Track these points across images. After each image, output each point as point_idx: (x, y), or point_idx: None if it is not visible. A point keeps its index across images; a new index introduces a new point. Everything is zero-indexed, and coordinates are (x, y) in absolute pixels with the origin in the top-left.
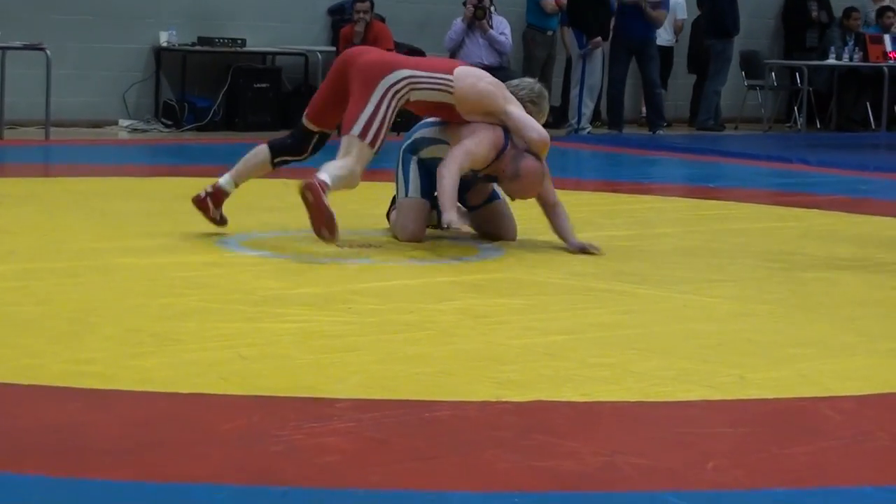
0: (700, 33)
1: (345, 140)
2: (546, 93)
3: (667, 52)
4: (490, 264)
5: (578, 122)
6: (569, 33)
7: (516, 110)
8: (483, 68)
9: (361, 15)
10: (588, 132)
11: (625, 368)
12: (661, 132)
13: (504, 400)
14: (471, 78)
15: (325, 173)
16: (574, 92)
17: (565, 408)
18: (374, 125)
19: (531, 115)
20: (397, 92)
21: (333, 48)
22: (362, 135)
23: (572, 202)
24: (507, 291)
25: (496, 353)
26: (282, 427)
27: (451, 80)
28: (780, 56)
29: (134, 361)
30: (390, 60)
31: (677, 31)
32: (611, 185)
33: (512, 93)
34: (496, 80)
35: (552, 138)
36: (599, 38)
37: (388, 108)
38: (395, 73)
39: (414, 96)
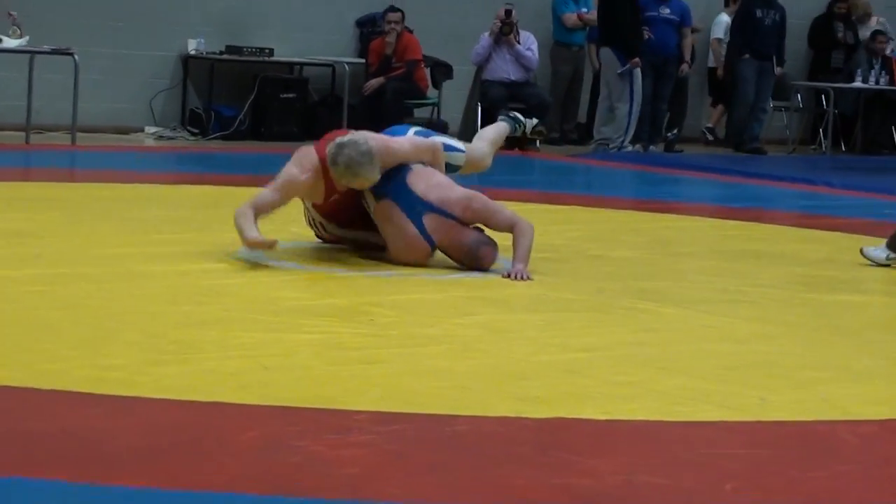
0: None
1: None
2: (364, 158)
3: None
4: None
5: (624, 139)
6: (594, 50)
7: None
8: (510, 84)
9: (392, 26)
10: (630, 150)
11: (645, 387)
12: (653, 148)
13: (523, 416)
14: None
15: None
16: (622, 111)
17: (585, 425)
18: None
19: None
20: None
21: (361, 60)
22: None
23: (595, 219)
24: (528, 307)
25: (517, 368)
26: (300, 438)
27: None
28: (804, 77)
29: (155, 369)
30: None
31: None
32: (634, 202)
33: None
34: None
35: (579, 155)
36: (637, 59)
37: None
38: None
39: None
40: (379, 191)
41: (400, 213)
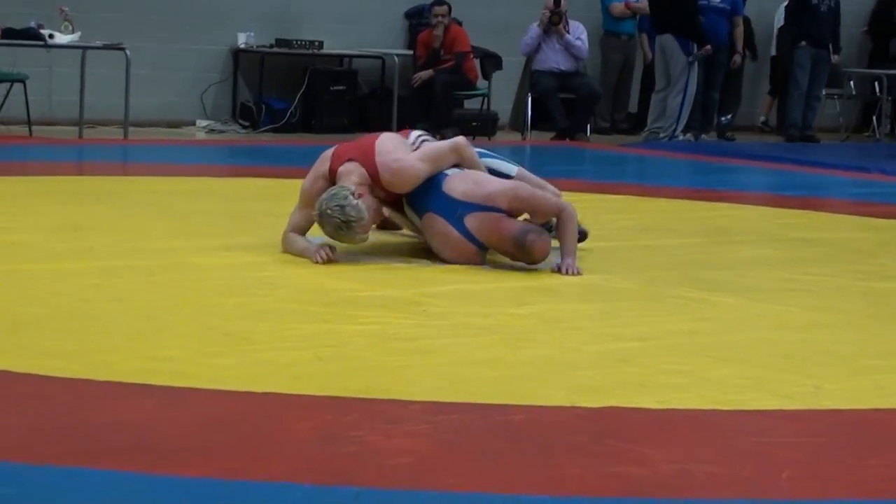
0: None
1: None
2: (348, 217)
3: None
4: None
5: (676, 128)
6: (646, 39)
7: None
8: (559, 74)
9: (440, 19)
10: (682, 139)
11: (699, 376)
12: (705, 137)
13: (578, 405)
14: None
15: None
16: (676, 99)
17: (639, 414)
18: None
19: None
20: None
21: (410, 52)
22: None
23: (649, 209)
24: (582, 297)
25: (570, 358)
26: (355, 428)
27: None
28: (857, 64)
29: (209, 360)
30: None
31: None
32: (688, 192)
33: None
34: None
35: (630, 144)
36: (709, 46)
37: None
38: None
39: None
40: (419, 206)
41: (442, 221)
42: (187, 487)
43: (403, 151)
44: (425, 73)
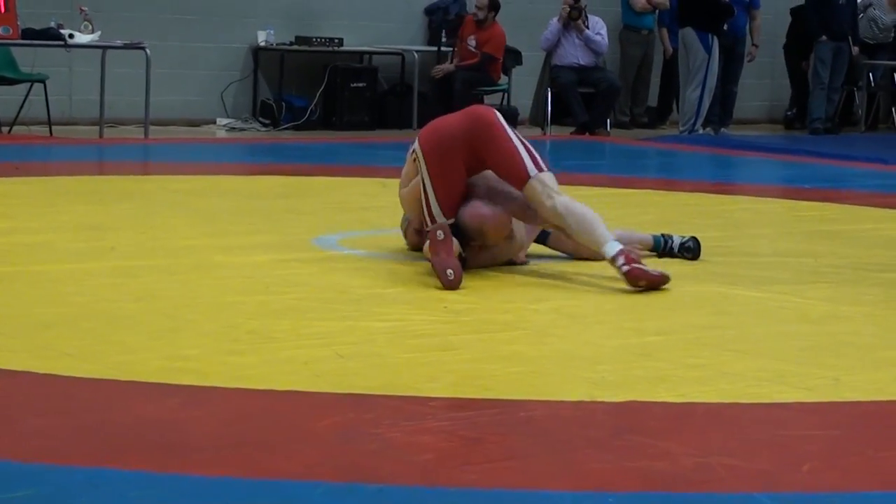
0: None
1: (532, 186)
2: None
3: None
4: (584, 265)
5: (695, 122)
6: (666, 33)
7: None
8: (579, 68)
9: (477, 11)
10: (701, 133)
11: (719, 369)
12: (724, 130)
13: (598, 400)
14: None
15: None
16: (695, 93)
17: (659, 408)
18: (534, 154)
19: None
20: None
21: (431, 48)
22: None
23: (667, 202)
24: (601, 291)
25: (590, 353)
26: (376, 425)
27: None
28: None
29: (230, 358)
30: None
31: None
32: (707, 185)
33: None
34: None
35: (649, 138)
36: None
37: (518, 137)
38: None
39: None
40: None
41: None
42: (209, 486)
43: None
44: (446, 67)
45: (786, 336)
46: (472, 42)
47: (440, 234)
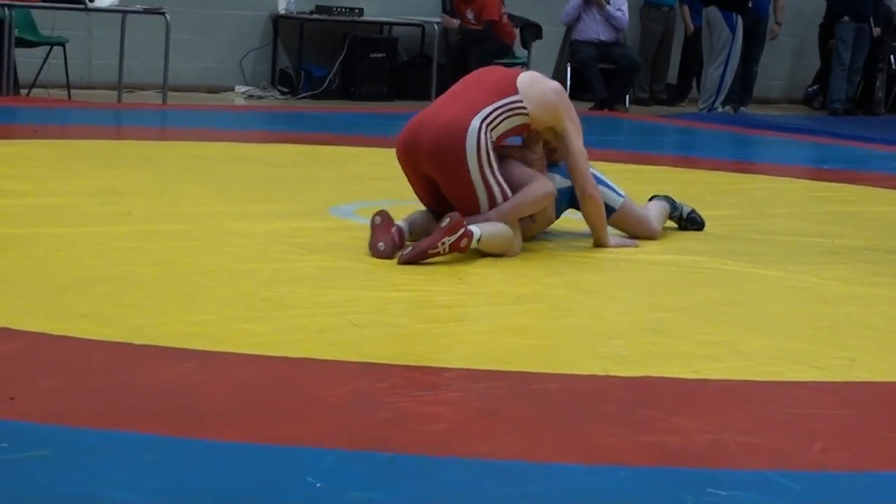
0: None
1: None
2: None
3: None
4: None
5: (715, 100)
6: (687, 11)
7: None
8: (599, 44)
9: None
10: (721, 111)
11: (733, 347)
12: (743, 109)
13: (612, 374)
14: (535, 89)
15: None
16: (717, 72)
17: (673, 384)
18: (497, 195)
19: None
20: (486, 148)
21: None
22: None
23: (685, 180)
24: (616, 267)
25: (605, 327)
26: (390, 394)
27: (521, 101)
28: None
29: (245, 325)
30: (456, 118)
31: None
32: (726, 164)
33: None
34: (557, 85)
35: (668, 116)
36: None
37: (492, 171)
38: (471, 131)
39: (495, 135)
40: None
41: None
42: (222, 451)
43: None
44: (453, 20)
45: (801, 315)
46: (470, 15)
47: (377, 220)
